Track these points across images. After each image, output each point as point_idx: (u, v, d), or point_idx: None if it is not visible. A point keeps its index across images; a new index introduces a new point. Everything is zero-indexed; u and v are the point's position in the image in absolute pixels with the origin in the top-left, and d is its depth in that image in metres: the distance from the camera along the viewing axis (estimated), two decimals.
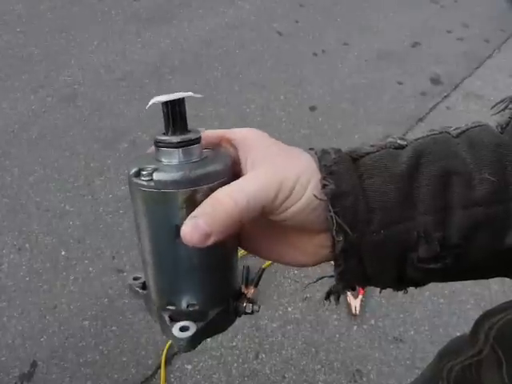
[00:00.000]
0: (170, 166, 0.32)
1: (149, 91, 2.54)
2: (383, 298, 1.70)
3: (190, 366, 1.51)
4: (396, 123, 2.50)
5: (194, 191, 0.31)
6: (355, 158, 0.34)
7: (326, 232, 0.32)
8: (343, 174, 0.32)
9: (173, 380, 1.48)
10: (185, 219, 0.30)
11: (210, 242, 0.30)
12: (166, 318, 0.36)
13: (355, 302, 1.65)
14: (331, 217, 0.31)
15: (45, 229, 1.86)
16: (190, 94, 0.34)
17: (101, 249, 1.80)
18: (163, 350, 1.51)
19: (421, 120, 2.54)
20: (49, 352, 1.51)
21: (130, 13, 3.17)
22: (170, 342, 1.53)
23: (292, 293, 1.71)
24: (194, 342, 0.34)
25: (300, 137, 2.38)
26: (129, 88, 2.57)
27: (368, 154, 0.34)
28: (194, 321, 0.35)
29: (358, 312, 1.64)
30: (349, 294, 1.67)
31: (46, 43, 2.84)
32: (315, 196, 0.31)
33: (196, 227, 0.30)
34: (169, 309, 0.36)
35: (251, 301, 0.38)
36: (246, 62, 2.84)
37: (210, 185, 0.31)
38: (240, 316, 0.39)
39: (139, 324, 1.59)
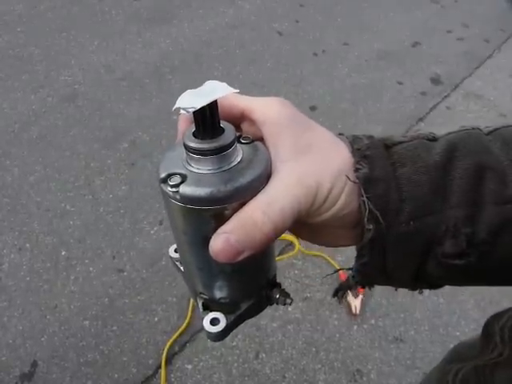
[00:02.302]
0: (198, 177, 0.29)
1: (149, 91, 2.55)
2: (383, 297, 1.70)
3: (190, 366, 1.51)
4: (396, 123, 2.50)
5: (223, 208, 0.29)
6: (388, 145, 0.33)
7: (357, 226, 0.32)
8: (376, 159, 0.31)
9: (173, 380, 1.48)
10: (214, 231, 0.29)
11: (242, 257, 0.29)
12: (200, 305, 0.36)
13: (355, 302, 1.65)
14: (363, 202, 0.30)
15: (45, 229, 1.86)
16: (224, 92, 0.29)
17: (101, 248, 1.80)
18: (164, 350, 1.51)
19: (421, 120, 2.54)
20: (49, 352, 1.51)
21: (130, 13, 3.18)
22: (170, 342, 1.53)
23: (292, 293, 1.70)
24: (223, 335, 0.35)
25: None
26: (129, 88, 2.57)
27: (401, 142, 0.33)
28: (226, 312, 0.35)
29: (358, 312, 1.64)
30: (349, 293, 1.67)
31: (46, 43, 2.85)
32: (347, 177, 0.30)
33: (227, 244, 0.28)
34: (203, 297, 0.36)
35: (284, 293, 0.37)
36: (246, 62, 2.84)
37: (241, 201, 0.29)
38: (271, 305, 0.38)
39: (140, 324, 1.59)
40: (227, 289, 0.35)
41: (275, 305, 0.38)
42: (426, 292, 0.36)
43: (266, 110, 0.32)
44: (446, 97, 2.72)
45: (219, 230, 0.29)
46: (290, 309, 1.67)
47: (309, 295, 1.71)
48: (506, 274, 0.34)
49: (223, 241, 0.28)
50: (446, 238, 0.31)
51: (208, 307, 0.36)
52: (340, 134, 0.34)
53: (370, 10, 3.46)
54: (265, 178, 0.30)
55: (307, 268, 1.79)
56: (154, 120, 2.35)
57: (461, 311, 1.69)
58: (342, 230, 0.34)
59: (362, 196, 0.30)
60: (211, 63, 2.80)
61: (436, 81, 2.85)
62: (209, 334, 0.35)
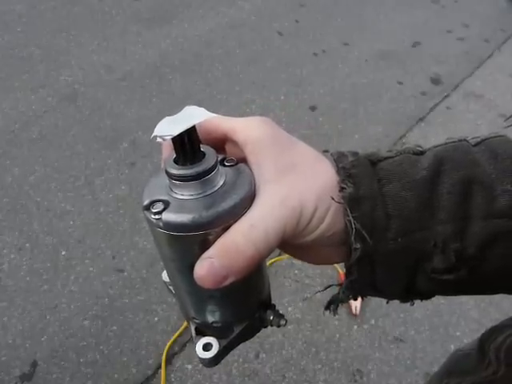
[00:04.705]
0: (181, 203, 0.29)
1: (149, 91, 2.55)
2: None
3: (190, 366, 1.51)
4: (396, 123, 2.50)
5: (207, 233, 0.28)
6: (373, 161, 0.32)
7: (344, 244, 0.32)
8: (362, 177, 0.31)
9: (173, 380, 1.48)
10: (198, 257, 0.28)
11: (228, 283, 0.28)
12: (193, 330, 0.36)
13: (355, 302, 1.65)
14: (349, 221, 0.30)
15: (45, 229, 1.86)
16: (201, 118, 0.29)
17: (101, 248, 1.80)
18: (164, 350, 1.51)
19: (421, 120, 2.54)
20: (49, 352, 1.51)
21: (130, 13, 3.18)
22: (170, 342, 1.53)
23: (292, 293, 1.71)
24: (216, 360, 0.34)
25: (300, 137, 2.28)
26: (129, 88, 2.57)
27: (386, 158, 0.33)
28: (219, 337, 0.35)
29: (358, 312, 1.64)
30: None
31: (46, 43, 2.85)
32: (333, 199, 0.30)
33: (211, 270, 0.28)
34: (195, 321, 0.36)
35: (278, 314, 0.37)
36: (246, 62, 2.84)
37: (225, 225, 0.28)
38: (265, 327, 0.37)
39: (139, 324, 1.59)
40: (218, 313, 0.34)
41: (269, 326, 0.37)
42: None
43: (248, 130, 0.32)
44: (446, 97, 2.72)
45: (203, 255, 0.28)
46: (290, 309, 1.67)
47: (309, 295, 1.71)
48: (497, 284, 0.34)
49: (207, 266, 0.28)
50: (434, 253, 0.30)
51: (201, 332, 0.36)
52: (325, 151, 0.34)
53: (370, 10, 3.46)
54: (248, 200, 0.29)
55: (307, 268, 1.79)
56: (154, 120, 2.30)
57: (461, 311, 1.69)
58: (330, 249, 0.33)
59: (348, 216, 0.30)
60: (211, 63, 2.79)
61: (436, 81, 2.85)
62: (202, 359, 0.34)
